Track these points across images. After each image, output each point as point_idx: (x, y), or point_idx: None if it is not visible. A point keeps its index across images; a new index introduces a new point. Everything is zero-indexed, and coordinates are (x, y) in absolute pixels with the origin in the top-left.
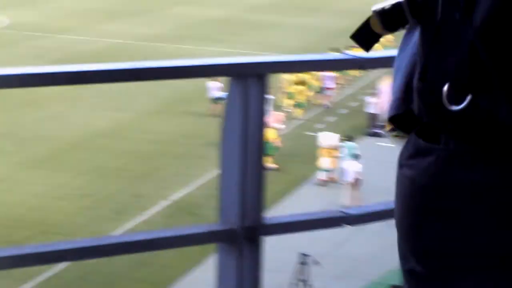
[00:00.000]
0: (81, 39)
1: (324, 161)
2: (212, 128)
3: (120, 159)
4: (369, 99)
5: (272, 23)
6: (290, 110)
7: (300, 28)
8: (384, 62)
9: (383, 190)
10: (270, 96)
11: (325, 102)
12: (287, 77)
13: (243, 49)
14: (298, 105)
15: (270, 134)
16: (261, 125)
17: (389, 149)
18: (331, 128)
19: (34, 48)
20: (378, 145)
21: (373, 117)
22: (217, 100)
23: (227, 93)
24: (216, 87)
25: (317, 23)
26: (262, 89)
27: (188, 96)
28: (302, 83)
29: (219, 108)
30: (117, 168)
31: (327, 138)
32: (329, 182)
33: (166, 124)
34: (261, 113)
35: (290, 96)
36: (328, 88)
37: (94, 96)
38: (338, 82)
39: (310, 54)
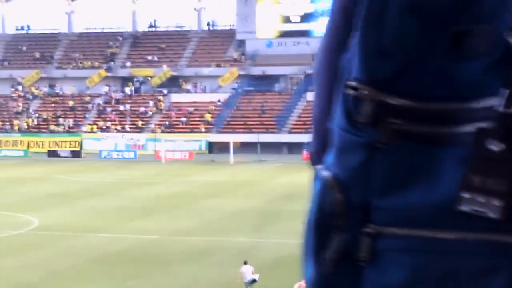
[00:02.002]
0: (112, 237)
1: None
2: None
3: None
4: None
5: (303, 211)
6: None
7: None
8: None
9: None
10: None
11: None
12: None
13: (276, 238)
14: None
15: None
16: None
17: None
18: None
19: (65, 247)
20: None
21: None
22: (253, 282)
23: None
24: (249, 271)
25: None
26: None
27: (224, 283)
28: None
29: None
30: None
31: None
32: None
33: None
34: None
35: None
36: None
37: None
38: None
39: None
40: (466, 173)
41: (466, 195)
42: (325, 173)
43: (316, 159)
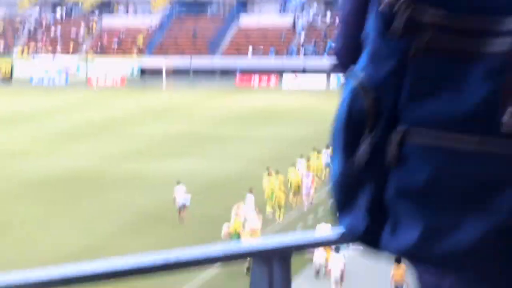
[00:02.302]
0: (45, 161)
1: (320, 254)
2: (182, 237)
3: None
4: None
5: (233, 135)
6: (271, 213)
7: (262, 138)
8: None
9: None
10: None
11: (305, 201)
12: (265, 181)
13: (207, 161)
14: (279, 208)
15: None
16: None
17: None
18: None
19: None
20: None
21: None
22: (183, 207)
23: (251, 275)
24: (181, 190)
25: (279, 133)
26: (287, 269)
27: (155, 211)
28: (279, 185)
29: (184, 214)
30: None
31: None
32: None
33: (135, 242)
34: None
35: (270, 198)
36: (307, 188)
37: (60, 218)
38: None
39: (323, 232)
40: (503, 84)
41: (509, 109)
42: (357, 77)
43: (342, 58)
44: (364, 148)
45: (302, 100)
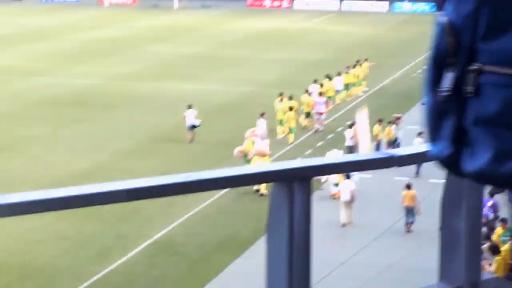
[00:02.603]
0: (56, 81)
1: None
2: (191, 158)
3: None
4: (346, 133)
5: (245, 58)
6: (282, 136)
7: (274, 61)
8: (419, 158)
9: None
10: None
11: (317, 125)
12: (277, 105)
13: (218, 85)
14: (290, 131)
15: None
16: (307, 229)
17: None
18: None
19: (10, 91)
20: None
21: (350, 149)
22: (192, 127)
23: (271, 197)
24: (192, 115)
25: (290, 56)
26: (307, 191)
27: (166, 129)
28: (290, 108)
29: (194, 136)
30: (97, 209)
31: (334, 154)
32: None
33: (144, 162)
34: (307, 216)
35: (281, 122)
36: (319, 113)
37: (71, 138)
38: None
39: (349, 155)
40: None
41: None
42: (443, 19)
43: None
44: (446, 82)
45: (314, 21)
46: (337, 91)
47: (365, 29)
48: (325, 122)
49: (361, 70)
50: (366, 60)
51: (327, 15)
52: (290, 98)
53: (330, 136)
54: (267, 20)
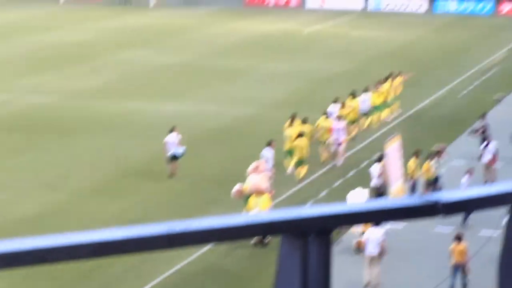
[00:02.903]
0: (1, 96)
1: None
2: (172, 199)
3: None
4: (373, 169)
5: (243, 70)
6: (290, 171)
7: (280, 74)
8: (472, 204)
9: None
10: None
11: (336, 160)
12: (286, 131)
13: (208, 104)
14: (299, 164)
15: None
16: None
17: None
18: (337, 193)
19: None
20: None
21: (378, 191)
22: (174, 158)
23: (279, 254)
24: (174, 141)
25: (301, 68)
26: (326, 247)
27: (141, 160)
28: (301, 135)
29: (176, 168)
30: (51, 266)
31: (358, 195)
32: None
33: (111, 204)
34: (325, 278)
35: (290, 153)
36: (338, 143)
37: (15, 172)
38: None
39: (377, 200)
40: None
41: None
42: None
43: None
44: None
45: (331, 24)
46: (364, 114)
47: (398, 34)
48: (346, 154)
49: (393, 87)
50: (399, 74)
51: (348, 16)
52: (304, 121)
53: (351, 173)
54: (271, 21)
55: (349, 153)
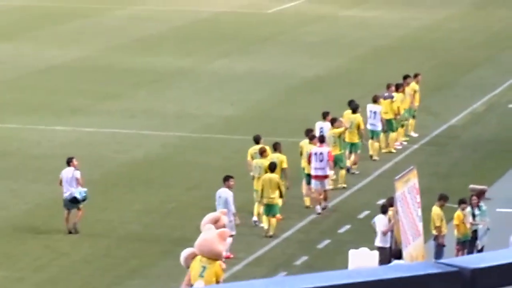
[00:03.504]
0: None
1: None
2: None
3: None
4: (378, 220)
5: (168, 70)
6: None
7: (235, 77)
8: (502, 274)
9: None
10: None
11: (321, 204)
12: (252, 162)
13: (121, 124)
14: (269, 210)
15: None
16: None
17: None
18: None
19: None
20: None
21: (384, 252)
22: (75, 202)
23: None
24: (73, 177)
25: (267, 67)
26: None
27: (20, 214)
28: (272, 168)
29: (79, 219)
30: None
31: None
32: None
33: None
34: None
35: (259, 193)
36: (321, 176)
37: None
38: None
39: (382, 267)
40: None
41: None
42: None
43: None
44: None
45: (307, 4)
46: (372, 134)
47: (414, 13)
48: (330, 198)
49: (409, 96)
50: (416, 76)
51: None
52: (275, 147)
53: (345, 226)
54: None
55: (343, 195)
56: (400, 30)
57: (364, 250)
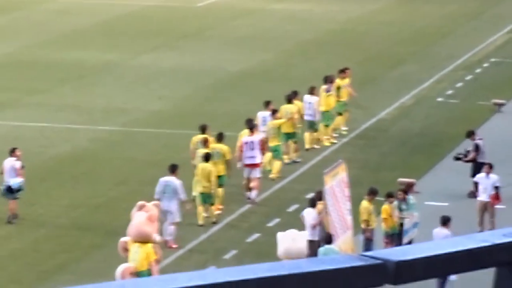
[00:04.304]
0: None
1: None
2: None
3: None
4: (307, 213)
5: (93, 65)
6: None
7: (159, 71)
8: (440, 267)
9: None
10: None
11: (251, 194)
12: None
13: (44, 117)
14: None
15: None
16: None
17: None
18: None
19: None
20: None
21: (312, 245)
22: (10, 192)
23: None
24: (12, 167)
25: (195, 60)
26: None
27: None
28: (206, 157)
29: (15, 207)
30: None
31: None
32: None
33: None
34: None
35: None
36: (249, 165)
37: None
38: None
39: (308, 260)
40: None
41: None
42: None
43: None
44: None
45: None
46: (311, 125)
47: (343, 7)
48: (260, 194)
49: (343, 88)
50: (343, 71)
51: None
52: (219, 138)
53: (275, 220)
54: None
55: (272, 188)
56: (329, 23)
57: (292, 231)
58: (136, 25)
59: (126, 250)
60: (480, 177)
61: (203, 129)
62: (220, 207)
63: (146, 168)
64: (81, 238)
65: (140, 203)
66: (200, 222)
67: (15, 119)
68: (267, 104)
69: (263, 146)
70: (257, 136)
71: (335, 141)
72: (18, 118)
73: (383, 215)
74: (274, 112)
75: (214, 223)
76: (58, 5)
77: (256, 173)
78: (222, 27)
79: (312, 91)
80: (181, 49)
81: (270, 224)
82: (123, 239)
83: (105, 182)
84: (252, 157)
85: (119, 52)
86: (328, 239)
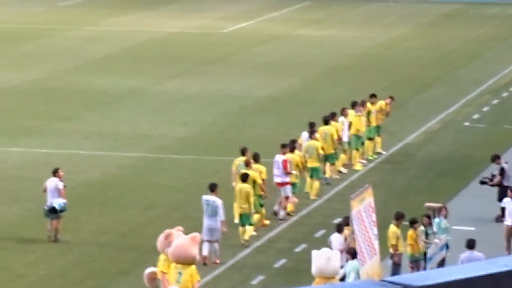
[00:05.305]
0: None
1: None
2: None
3: None
4: (334, 239)
5: (119, 92)
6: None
7: (185, 98)
8: None
9: None
10: None
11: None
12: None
13: (79, 144)
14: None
15: None
16: None
17: None
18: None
19: None
20: None
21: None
22: (54, 212)
23: None
24: (56, 188)
25: (218, 87)
26: None
27: None
28: (244, 178)
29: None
30: None
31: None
32: None
33: None
34: None
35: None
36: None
37: None
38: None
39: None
40: None
41: None
42: None
43: None
44: None
45: (266, 19)
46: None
47: (368, 32)
48: (285, 214)
49: (373, 114)
50: (372, 97)
51: (291, 5)
52: (255, 158)
53: (302, 245)
54: (172, 16)
55: (299, 214)
56: (354, 49)
57: (327, 250)
58: (161, 51)
59: (153, 280)
60: (507, 201)
61: (243, 152)
62: (267, 222)
63: (173, 193)
64: (109, 265)
65: (165, 232)
66: (242, 242)
67: (42, 146)
68: (311, 126)
69: (285, 166)
70: (282, 156)
71: (362, 166)
72: (45, 144)
73: (409, 241)
74: (313, 132)
75: (245, 245)
76: (84, 33)
77: (286, 192)
78: (248, 53)
79: (343, 111)
80: (207, 75)
81: (297, 250)
82: (149, 270)
83: (132, 208)
84: (279, 176)
85: (144, 78)
86: (352, 251)
